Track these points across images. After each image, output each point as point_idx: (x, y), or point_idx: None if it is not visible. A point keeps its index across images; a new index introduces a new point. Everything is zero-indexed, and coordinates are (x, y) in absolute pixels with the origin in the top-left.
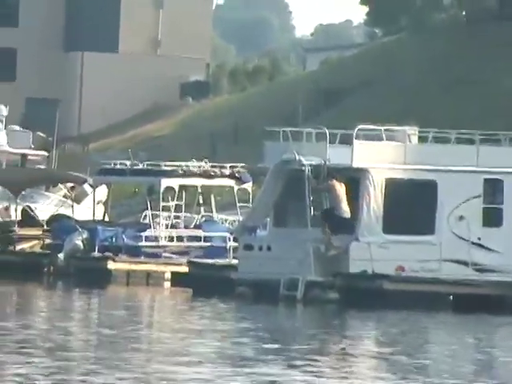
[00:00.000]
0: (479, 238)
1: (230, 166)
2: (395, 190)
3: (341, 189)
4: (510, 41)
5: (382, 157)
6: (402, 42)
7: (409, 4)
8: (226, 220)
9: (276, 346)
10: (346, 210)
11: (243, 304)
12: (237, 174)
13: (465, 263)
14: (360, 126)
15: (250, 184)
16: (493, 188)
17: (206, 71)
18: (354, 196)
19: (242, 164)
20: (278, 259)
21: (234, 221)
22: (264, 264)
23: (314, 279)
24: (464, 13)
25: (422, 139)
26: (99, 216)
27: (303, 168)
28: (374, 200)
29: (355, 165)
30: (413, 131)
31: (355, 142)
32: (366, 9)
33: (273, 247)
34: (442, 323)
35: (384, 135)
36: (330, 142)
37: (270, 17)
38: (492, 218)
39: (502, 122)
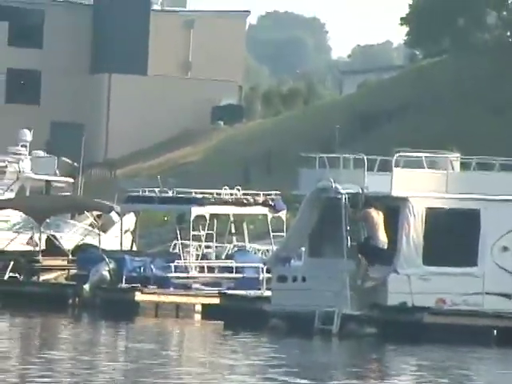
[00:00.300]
0: None
1: (264, 194)
2: (436, 219)
3: (378, 217)
4: None
5: (423, 185)
6: (444, 64)
7: (451, 24)
8: (258, 250)
9: (307, 381)
10: (382, 239)
11: (276, 338)
12: (270, 202)
13: (508, 296)
14: (400, 153)
15: (285, 212)
16: None
17: (239, 94)
18: (393, 226)
19: (275, 191)
20: (312, 291)
21: (268, 251)
22: (298, 296)
23: (351, 312)
24: (509, 33)
25: (465, 166)
26: (127, 245)
27: (340, 196)
28: (414, 230)
29: (394, 193)
30: (455, 158)
31: (394, 169)
32: (406, 29)
33: (308, 278)
34: (486, 359)
35: (425, 162)
36: (368, 169)
37: (305, 37)
38: None
39: None
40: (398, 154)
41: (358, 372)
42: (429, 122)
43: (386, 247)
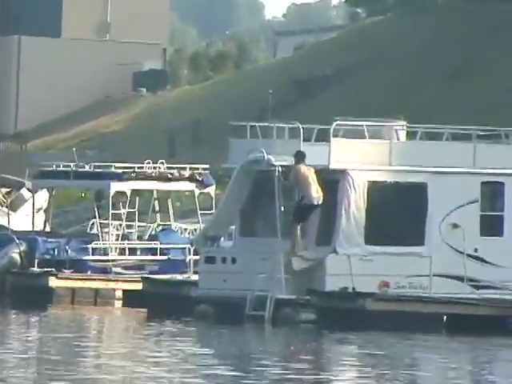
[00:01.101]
0: (476, 250)
1: (191, 168)
2: (379, 194)
3: (309, 172)
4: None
5: (364, 156)
6: (388, 24)
7: None
8: (185, 229)
9: (235, 373)
10: (316, 195)
11: (204, 325)
12: (198, 177)
13: (459, 278)
14: (338, 121)
15: (213, 188)
16: (492, 192)
17: (163, 58)
18: (332, 201)
19: (203, 165)
20: (243, 273)
21: (195, 230)
22: (228, 279)
23: (285, 297)
24: None
25: (412, 136)
26: (39, 226)
27: (273, 169)
28: (355, 206)
29: (333, 166)
30: (400, 127)
31: (333, 139)
32: None
33: (238, 260)
34: (434, 348)
35: (367, 132)
36: (304, 140)
37: None
38: (491, 226)
39: (504, 116)
40: (336, 123)
41: (289, 363)
42: (372, 88)
43: (319, 203)
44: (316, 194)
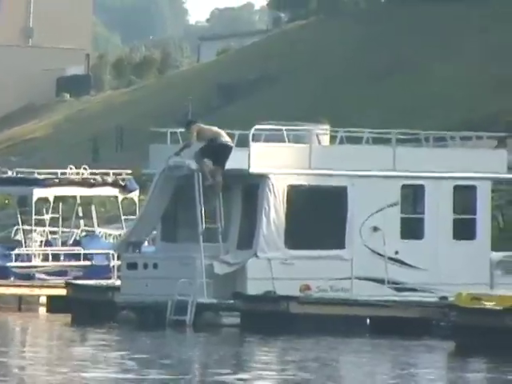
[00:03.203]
0: (397, 253)
1: (114, 173)
2: (299, 198)
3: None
4: (436, 23)
5: (284, 160)
6: (312, 28)
7: None
8: (109, 235)
9: (154, 376)
10: (228, 138)
11: (126, 331)
12: (121, 182)
13: (381, 281)
14: (257, 126)
15: (137, 193)
16: (412, 195)
17: (86, 63)
18: (253, 205)
19: (127, 170)
20: (165, 279)
21: (119, 235)
22: (150, 284)
23: (207, 301)
24: None
25: (333, 140)
26: None
27: (193, 174)
28: (275, 210)
29: (253, 170)
30: (323, 131)
31: (252, 143)
32: None
33: (160, 265)
34: (355, 350)
35: (289, 137)
36: None
37: (159, 0)
38: (411, 229)
39: (429, 121)
40: (254, 127)
41: (207, 368)
42: (296, 94)
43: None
44: (228, 137)
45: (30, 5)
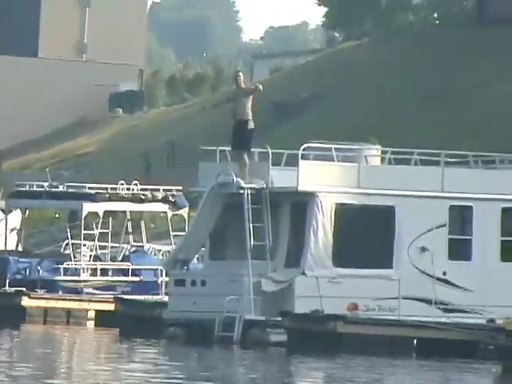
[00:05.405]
0: (444, 273)
1: (164, 189)
2: (347, 216)
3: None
4: (490, 48)
5: (333, 179)
6: (366, 48)
7: (373, 4)
8: (158, 251)
9: None
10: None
11: (173, 347)
12: (171, 198)
13: (428, 301)
14: (307, 145)
15: (187, 209)
16: (460, 216)
17: (140, 79)
18: (301, 224)
19: (177, 187)
20: (213, 296)
21: (168, 252)
22: (197, 301)
23: (254, 318)
24: (435, 15)
25: (384, 160)
26: (12, 246)
27: (242, 192)
28: (323, 228)
29: (301, 188)
30: (375, 151)
31: (301, 161)
32: (323, 9)
33: (208, 282)
34: (401, 372)
35: (340, 157)
36: (275, 163)
37: (214, 17)
38: (459, 250)
39: (477, 142)
40: (303, 146)
41: None
42: (349, 112)
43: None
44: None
45: (85, 20)
